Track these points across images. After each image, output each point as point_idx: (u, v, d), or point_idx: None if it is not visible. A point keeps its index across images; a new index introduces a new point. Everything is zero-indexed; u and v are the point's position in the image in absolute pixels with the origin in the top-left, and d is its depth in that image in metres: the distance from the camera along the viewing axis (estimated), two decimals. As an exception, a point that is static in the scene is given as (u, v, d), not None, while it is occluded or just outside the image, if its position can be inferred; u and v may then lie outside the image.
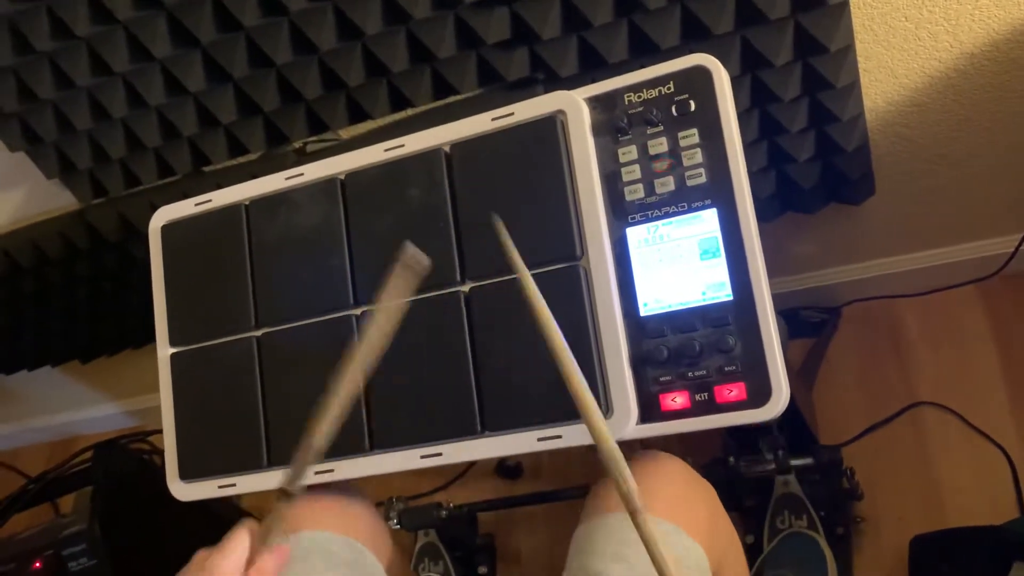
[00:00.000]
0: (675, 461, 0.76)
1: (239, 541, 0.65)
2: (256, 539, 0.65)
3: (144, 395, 1.73)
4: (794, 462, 1.12)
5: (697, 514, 0.72)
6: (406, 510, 1.25)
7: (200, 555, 0.65)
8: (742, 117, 0.96)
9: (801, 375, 1.29)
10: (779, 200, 1.11)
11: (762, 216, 1.11)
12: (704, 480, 0.78)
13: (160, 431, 0.88)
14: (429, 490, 1.43)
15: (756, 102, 0.97)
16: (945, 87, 1.00)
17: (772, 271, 0.69)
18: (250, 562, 0.66)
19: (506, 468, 1.40)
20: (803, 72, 0.93)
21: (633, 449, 0.75)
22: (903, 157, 1.10)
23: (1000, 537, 1.01)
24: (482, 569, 1.31)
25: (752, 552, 1.16)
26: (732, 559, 0.77)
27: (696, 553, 0.68)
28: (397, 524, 1.24)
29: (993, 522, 1.05)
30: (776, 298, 0.68)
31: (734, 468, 1.12)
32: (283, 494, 0.67)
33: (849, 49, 0.91)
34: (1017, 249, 1.19)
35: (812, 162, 1.04)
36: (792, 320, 1.35)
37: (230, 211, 0.87)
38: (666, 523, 0.68)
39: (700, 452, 1.21)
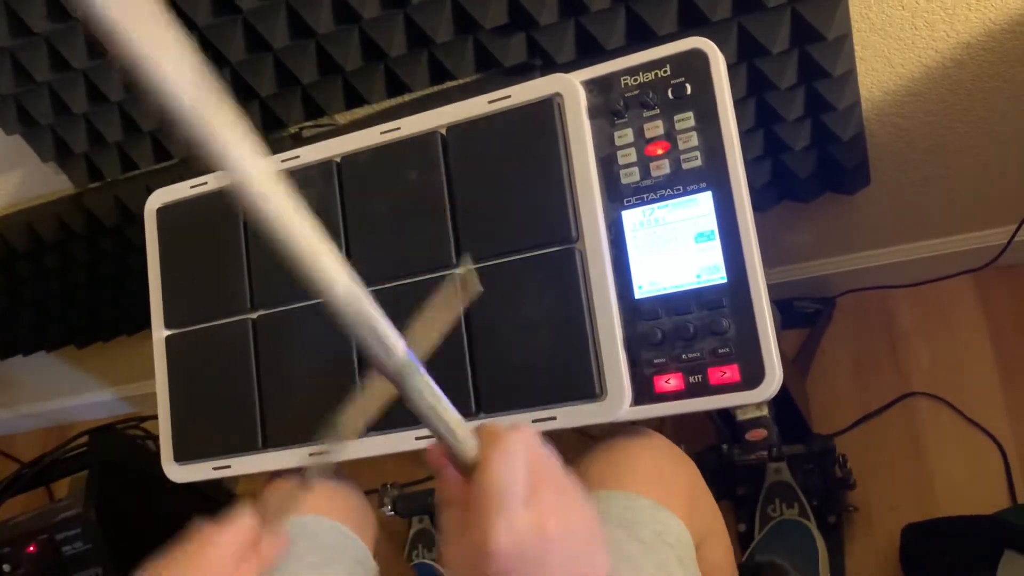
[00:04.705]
0: (656, 437, 0.76)
1: (242, 520, 0.63)
2: (262, 520, 0.63)
3: (139, 381, 1.73)
4: (787, 450, 1.13)
5: (676, 488, 0.72)
6: (401, 496, 1.25)
7: (199, 528, 0.63)
8: (738, 105, 0.96)
9: (795, 365, 1.30)
10: (774, 189, 1.11)
11: (757, 205, 1.11)
12: (686, 457, 0.77)
13: (155, 417, 0.88)
14: (424, 477, 1.43)
15: (752, 90, 0.97)
16: (942, 77, 1.01)
17: (767, 261, 0.70)
18: (253, 543, 0.65)
19: (501, 456, 1.40)
20: (800, 60, 0.93)
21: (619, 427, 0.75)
22: (899, 147, 1.10)
23: (991, 526, 1.01)
24: (476, 556, 1.31)
25: (744, 540, 1.17)
26: (716, 535, 0.76)
27: (675, 526, 0.68)
28: (392, 511, 1.25)
29: (984, 511, 1.05)
30: (770, 288, 0.69)
31: (727, 456, 1.13)
32: (303, 481, 0.64)
33: (846, 37, 0.91)
34: (1011, 240, 1.20)
35: (808, 151, 1.05)
36: (786, 310, 1.35)
37: (226, 193, 0.87)
38: (643, 498, 0.68)
39: (693, 440, 1.22)
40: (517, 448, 0.46)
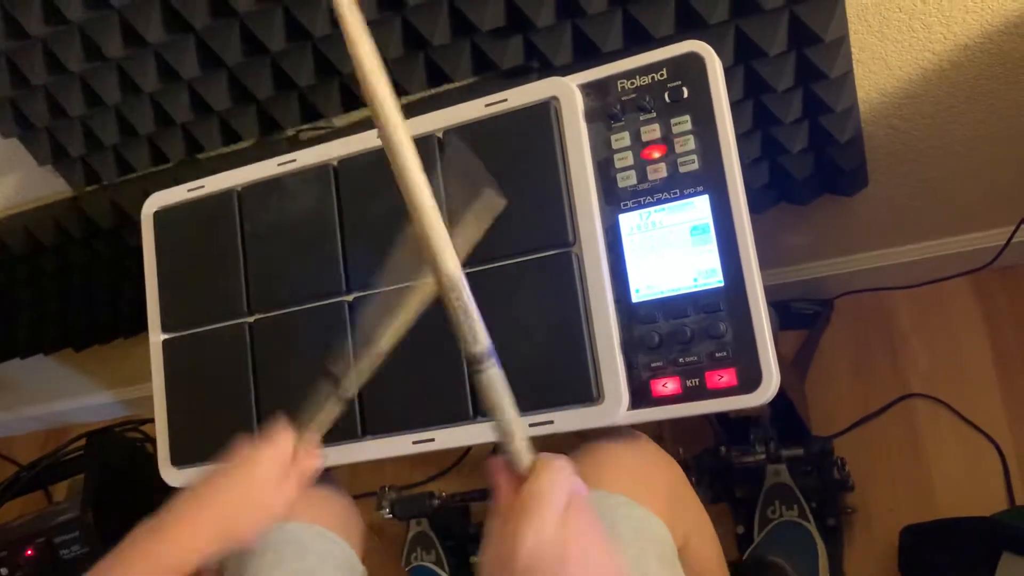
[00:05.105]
0: (641, 438, 0.76)
1: (283, 437, 0.65)
2: (297, 436, 0.66)
3: (137, 384, 1.72)
4: (785, 453, 1.13)
5: (655, 488, 0.71)
6: (399, 499, 1.25)
7: (243, 447, 0.65)
8: (736, 108, 0.96)
9: (793, 367, 1.29)
10: (772, 191, 1.11)
11: (755, 207, 1.11)
12: (669, 458, 0.77)
13: (153, 420, 0.88)
14: (422, 480, 1.43)
15: (750, 92, 0.97)
16: (939, 79, 1.01)
17: (764, 263, 0.70)
18: (291, 459, 0.66)
19: (499, 458, 1.40)
20: (797, 62, 0.93)
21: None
22: (896, 149, 1.10)
23: (989, 528, 1.01)
24: (474, 558, 1.31)
25: (743, 542, 1.17)
26: (702, 535, 0.76)
27: (654, 525, 0.68)
28: (390, 513, 1.25)
29: (983, 513, 1.05)
30: (768, 290, 0.69)
31: (725, 458, 1.13)
32: (337, 395, 0.68)
33: (843, 39, 0.91)
34: (1009, 241, 1.20)
35: (805, 153, 1.04)
36: (784, 312, 1.35)
37: (222, 197, 0.87)
38: (619, 495, 0.68)
39: (692, 442, 1.22)
40: (565, 472, 0.51)
